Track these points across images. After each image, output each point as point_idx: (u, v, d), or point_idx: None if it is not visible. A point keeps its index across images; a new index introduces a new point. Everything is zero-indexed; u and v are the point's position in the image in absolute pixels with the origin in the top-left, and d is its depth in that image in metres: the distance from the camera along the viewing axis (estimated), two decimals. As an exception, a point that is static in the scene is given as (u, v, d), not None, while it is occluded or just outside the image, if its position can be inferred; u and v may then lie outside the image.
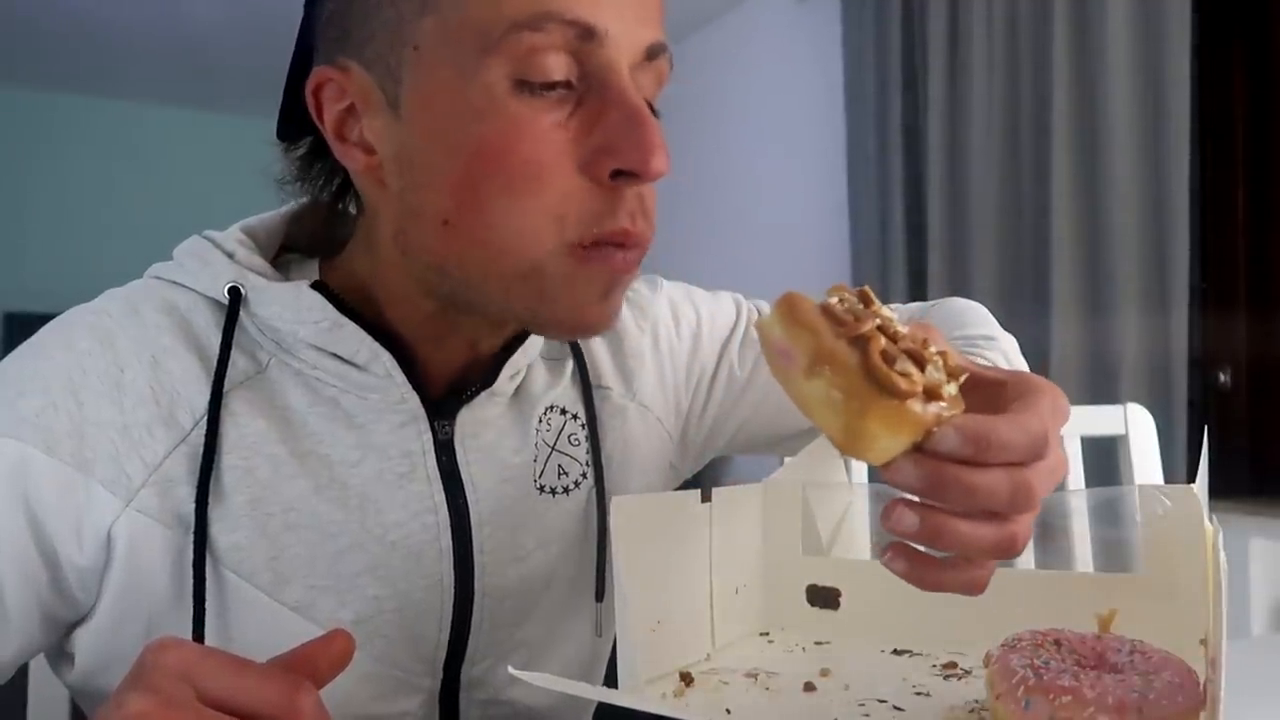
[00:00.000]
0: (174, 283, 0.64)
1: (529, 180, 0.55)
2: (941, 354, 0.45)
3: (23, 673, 0.77)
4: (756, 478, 0.70)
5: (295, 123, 0.65)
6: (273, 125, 0.67)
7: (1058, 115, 2.17)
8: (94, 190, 4.68)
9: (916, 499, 0.44)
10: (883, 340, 0.42)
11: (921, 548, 0.46)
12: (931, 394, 0.42)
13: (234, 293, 0.61)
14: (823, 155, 3.08)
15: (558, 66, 0.55)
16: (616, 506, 0.54)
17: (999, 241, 2.35)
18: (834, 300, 0.44)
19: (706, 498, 0.62)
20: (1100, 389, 2.10)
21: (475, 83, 0.54)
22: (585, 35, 0.54)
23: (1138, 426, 1.14)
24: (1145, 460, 1.13)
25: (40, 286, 4.36)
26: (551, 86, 0.55)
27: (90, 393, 0.58)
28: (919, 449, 0.43)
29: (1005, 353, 0.74)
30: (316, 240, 0.71)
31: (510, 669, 0.45)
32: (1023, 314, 2.28)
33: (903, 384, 0.41)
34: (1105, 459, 1.36)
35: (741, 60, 3.48)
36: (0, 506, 0.57)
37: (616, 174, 0.55)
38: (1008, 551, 0.44)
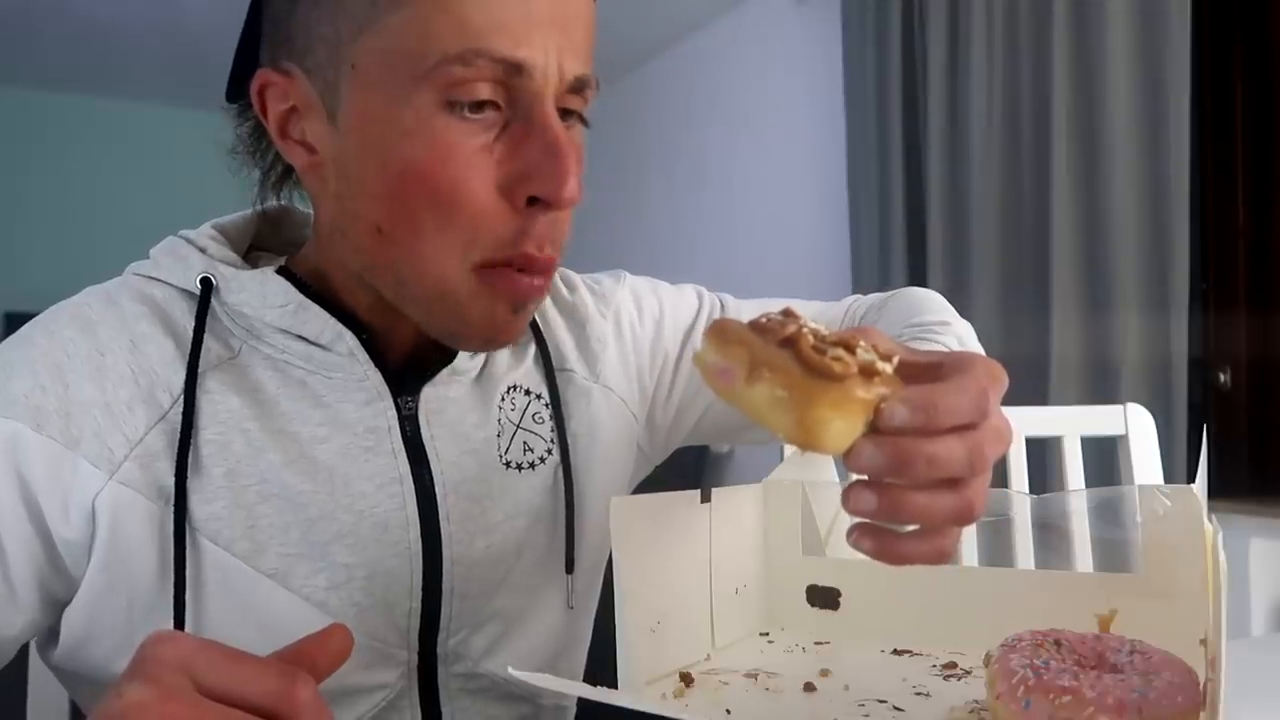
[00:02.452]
0: (150, 278, 0.67)
1: (452, 199, 0.58)
2: (872, 344, 0.47)
3: (23, 672, 0.77)
4: (756, 478, 0.70)
5: (244, 87, 0.67)
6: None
7: (1058, 115, 2.17)
8: (94, 190, 4.68)
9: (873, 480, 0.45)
10: (811, 336, 0.44)
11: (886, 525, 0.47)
12: (868, 372, 0.44)
13: (205, 283, 0.65)
14: (823, 155, 3.09)
15: (485, 92, 0.58)
16: (616, 506, 0.54)
17: (999, 241, 2.35)
18: (761, 318, 0.47)
19: (706, 498, 0.62)
20: (1100, 389, 2.10)
21: (407, 106, 0.58)
22: (512, 71, 0.58)
23: (1138, 426, 1.14)
24: (1145, 460, 1.13)
25: (40, 286, 4.35)
26: (480, 110, 0.58)
27: (74, 375, 0.62)
28: (874, 431, 0.44)
29: (959, 337, 0.74)
30: (286, 238, 0.75)
31: (510, 669, 0.46)
32: (1023, 314, 2.28)
33: (837, 366, 0.43)
34: (1105, 459, 1.36)
35: (741, 61, 3.48)
36: None
37: (532, 200, 0.59)
38: (966, 517, 0.46)
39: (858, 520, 0.47)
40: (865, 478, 0.45)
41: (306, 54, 0.61)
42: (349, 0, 0.59)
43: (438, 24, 0.57)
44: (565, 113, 0.62)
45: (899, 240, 2.62)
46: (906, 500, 0.45)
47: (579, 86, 0.61)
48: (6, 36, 3.85)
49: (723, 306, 0.88)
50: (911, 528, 0.47)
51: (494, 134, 0.59)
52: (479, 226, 0.59)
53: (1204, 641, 0.53)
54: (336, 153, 0.62)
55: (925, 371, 0.48)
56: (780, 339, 0.44)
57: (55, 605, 0.64)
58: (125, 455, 0.61)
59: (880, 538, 0.47)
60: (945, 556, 0.47)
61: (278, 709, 0.40)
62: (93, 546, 0.61)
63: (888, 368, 0.45)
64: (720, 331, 0.46)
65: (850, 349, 0.45)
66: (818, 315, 0.88)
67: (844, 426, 0.43)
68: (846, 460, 0.44)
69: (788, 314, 0.46)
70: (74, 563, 0.62)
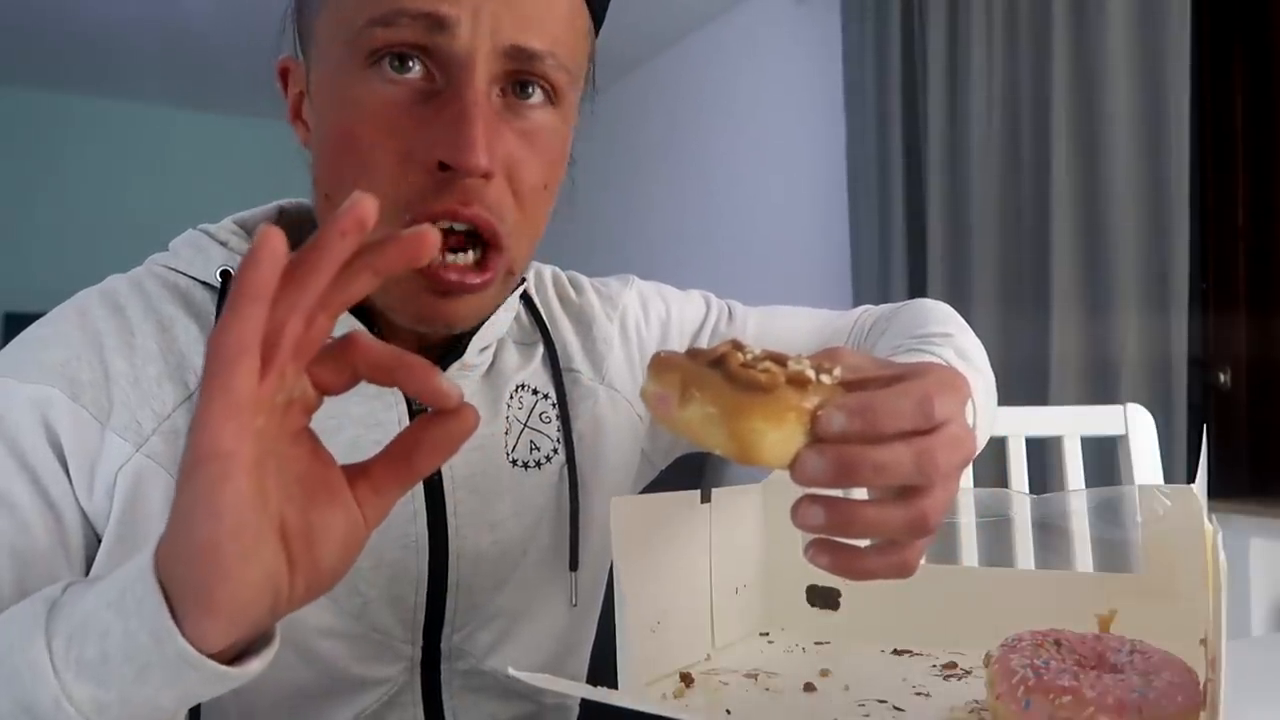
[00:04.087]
0: (171, 269, 0.68)
1: (369, 161, 0.59)
2: (824, 362, 0.46)
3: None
4: (757, 478, 0.70)
5: None
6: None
7: (1058, 115, 2.17)
8: (94, 190, 4.68)
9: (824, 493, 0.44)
10: (740, 355, 0.45)
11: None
12: (799, 382, 0.44)
13: (225, 275, 0.67)
14: (822, 156, 3.09)
15: (409, 59, 0.58)
16: (616, 506, 0.54)
17: (999, 242, 2.35)
18: (697, 348, 0.48)
19: (706, 498, 0.62)
20: (1100, 389, 2.10)
21: (341, 74, 0.60)
22: (435, 27, 0.58)
23: (1138, 426, 1.14)
24: (1145, 460, 1.13)
25: (40, 286, 4.35)
26: (403, 69, 0.59)
27: (108, 350, 0.63)
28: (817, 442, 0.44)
29: (958, 349, 0.72)
30: (305, 234, 0.73)
31: (510, 670, 0.46)
32: (1023, 314, 2.28)
33: (763, 377, 0.43)
34: (1105, 459, 1.36)
35: (741, 60, 3.48)
36: (37, 446, 0.60)
37: (443, 165, 0.58)
38: (920, 529, 0.45)
39: (815, 536, 0.46)
40: (814, 492, 0.44)
41: (303, 37, 0.65)
42: None
43: None
44: (523, 87, 0.61)
45: (899, 241, 2.62)
46: (855, 513, 0.44)
47: (523, 58, 0.59)
48: (6, 36, 3.85)
49: (730, 313, 0.88)
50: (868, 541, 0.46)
51: (418, 101, 0.59)
52: (394, 189, 0.58)
53: (1204, 641, 0.53)
54: (312, 126, 0.65)
55: (883, 384, 0.47)
56: (710, 360, 0.45)
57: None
58: (153, 429, 0.62)
59: (837, 552, 0.46)
60: (907, 570, 0.46)
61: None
62: (109, 520, 0.62)
63: (825, 379, 0.45)
64: (657, 362, 0.47)
65: (781, 363, 0.45)
66: (826, 326, 0.88)
67: (779, 437, 0.43)
68: (792, 473, 0.44)
69: (734, 344, 0.46)
70: (99, 532, 0.62)
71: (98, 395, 0.61)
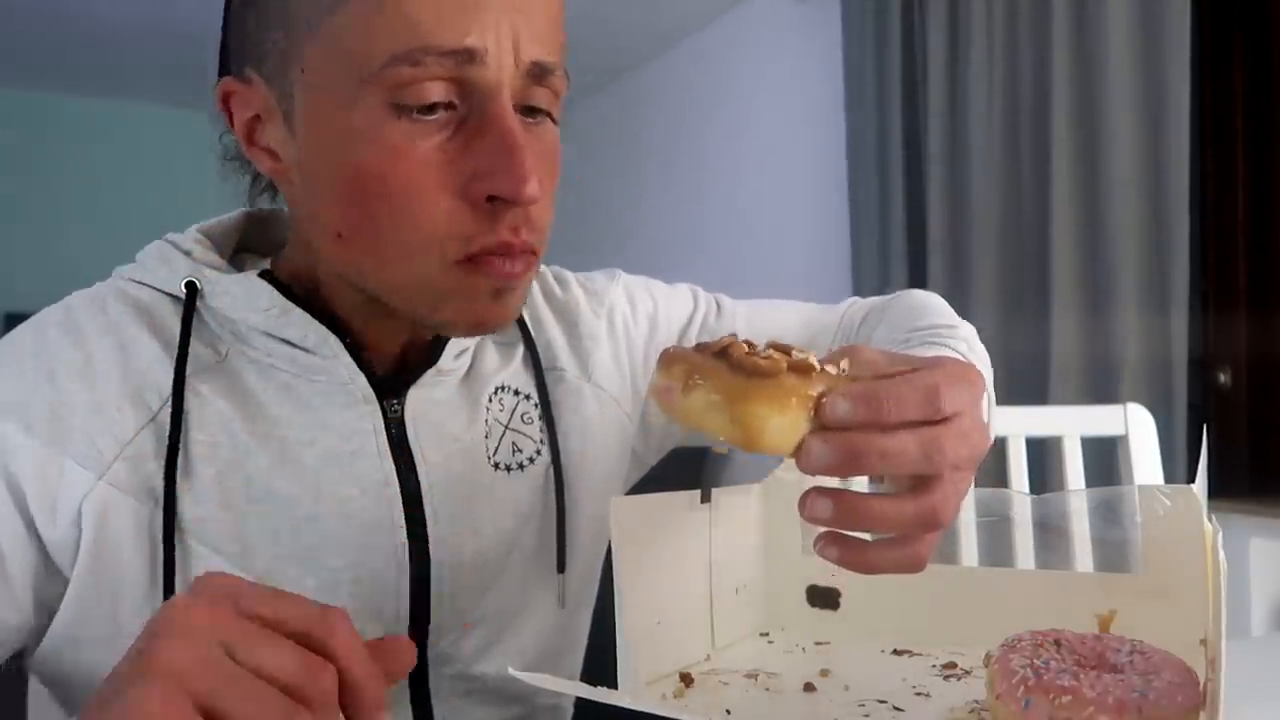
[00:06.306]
0: (137, 282, 0.67)
1: (408, 202, 0.57)
2: (849, 360, 0.47)
3: (24, 672, 0.77)
4: (756, 478, 0.70)
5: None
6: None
7: (1058, 115, 2.16)
8: (93, 191, 4.68)
9: (832, 486, 0.45)
10: (745, 345, 0.45)
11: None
12: (801, 369, 0.44)
13: (190, 287, 0.65)
14: (823, 155, 3.08)
15: (436, 92, 0.56)
16: (616, 506, 0.54)
17: (999, 241, 2.35)
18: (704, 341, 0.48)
19: (706, 498, 0.62)
20: (1100, 389, 2.10)
21: (356, 108, 0.57)
22: (464, 59, 0.56)
23: (1138, 426, 1.14)
24: (1145, 460, 1.13)
25: (39, 286, 4.35)
26: (431, 110, 0.57)
27: (63, 377, 0.61)
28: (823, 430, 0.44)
29: (966, 340, 0.72)
30: (273, 240, 0.74)
31: (510, 670, 0.46)
32: (1023, 314, 2.28)
33: (765, 364, 0.44)
34: (1105, 459, 1.36)
35: (741, 60, 3.48)
36: None
37: (491, 198, 0.57)
38: (931, 523, 0.45)
39: (824, 529, 0.46)
40: (821, 486, 0.45)
41: (263, 60, 0.61)
42: (294, 3, 0.58)
43: (379, 23, 0.55)
44: (532, 110, 0.60)
45: (899, 240, 2.62)
46: (863, 506, 0.44)
47: (539, 73, 0.59)
48: (6, 36, 3.85)
49: (719, 307, 0.87)
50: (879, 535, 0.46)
51: (448, 133, 0.57)
52: (442, 227, 0.57)
53: (1204, 641, 0.53)
54: (296, 158, 0.61)
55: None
56: (715, 351, 0.45)
57: (47, 608, 0.63)
58: (115, 456, 0.60)
59: (846, 545, 0.46)
60: (918, 564, 0.46)
61: (315, 631, 0.39)
62: (78, 550, 0.60)
63: (831, 369, 0.45)
64: (665, 357, 0.47)
65: (785, 352, 0.45)
66: (814, 319, 0.88)
67: (783, 423, 0.43)
68: (798, 462, 0.44)
69: (748, 344, 0.47)
70: (64, 565, 0.61)
71: (53, 426, 0.60)
